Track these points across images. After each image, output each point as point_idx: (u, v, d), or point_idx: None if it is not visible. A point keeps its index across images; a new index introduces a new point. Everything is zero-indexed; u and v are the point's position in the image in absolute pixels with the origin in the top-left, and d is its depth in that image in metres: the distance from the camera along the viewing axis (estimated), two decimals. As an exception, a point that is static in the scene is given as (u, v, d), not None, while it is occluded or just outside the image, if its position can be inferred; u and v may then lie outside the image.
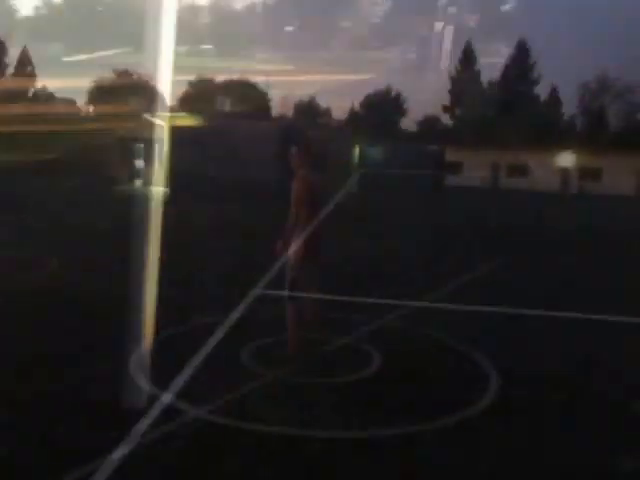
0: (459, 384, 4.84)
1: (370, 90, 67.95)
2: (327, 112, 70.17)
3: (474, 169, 50.50)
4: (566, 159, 49.41)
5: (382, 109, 64.99)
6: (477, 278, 8.88)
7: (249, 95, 58.29)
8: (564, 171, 49.21)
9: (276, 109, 68.17)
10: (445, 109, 68.43)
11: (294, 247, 4.82)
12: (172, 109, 34.53)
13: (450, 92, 68.10)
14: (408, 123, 68.69)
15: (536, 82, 66.08)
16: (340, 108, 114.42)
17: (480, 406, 4.30)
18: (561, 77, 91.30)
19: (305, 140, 6.19)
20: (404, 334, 5.99)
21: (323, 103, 72.26)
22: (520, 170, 50.30)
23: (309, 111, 66.20)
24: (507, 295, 8.16)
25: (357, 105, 68.28)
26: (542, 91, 65.97)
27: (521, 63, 65.62)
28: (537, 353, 5.74)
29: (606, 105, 60.62)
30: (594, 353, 5.72)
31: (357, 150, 36.14)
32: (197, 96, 55.68)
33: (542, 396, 4.68)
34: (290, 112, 67.74)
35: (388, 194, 28.43)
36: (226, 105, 38.48)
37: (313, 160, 5.12)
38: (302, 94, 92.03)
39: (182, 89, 61.57)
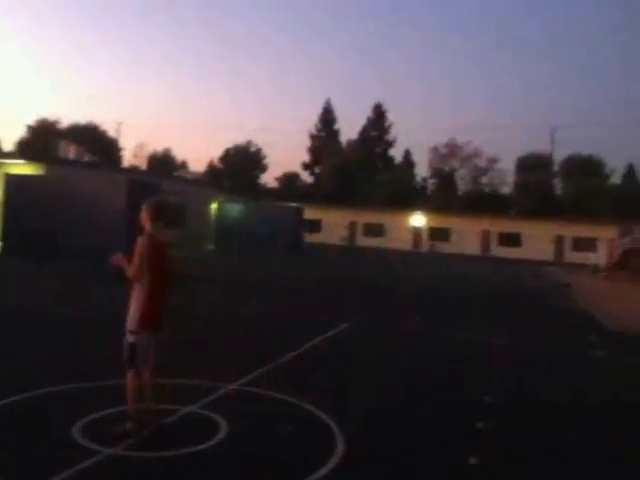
0: (306, 452, 4.63)
1: (230, 144, 66.98)
2: (184, 165, 67.97)
3: (332, 227, 50.98)
4: (418, 219, 51.32)
5: (242, 164, 64.04)
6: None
7: (98, 142, 54.76)
8: (416, 231, 51.01)
9: (128, 159, 64.94)
10: (305, 166, 69.17)
11: (134, 310, 4.60)
12: (7, 155, 31.27)
13: (309, 150, 69.13)
14: (268, 179, 68.43)
15: (391, 144, 68.96)
16: (198, 161, 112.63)
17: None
18: (415, 140, 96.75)
19: (156, 196, 5.44)
20: (253, 400, 5.76)
21: (180, 155, 70.14)
22: (376, 229, 51.51)
23: (164, 163, 63.61)
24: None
25: (216, 159, 66.83)
26: (397, 153, 68.89)
27: (377, 125, 68.26)
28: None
29: (455, 168, 64.30)
30: None
31: (215, 206, 34.35)
32: (37, 141, 51.25)
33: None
34: (144, 163, 64.78)
35: (246, 252, 27.76)
36: (70, 152, 35.29)
37: (164, 218, 4.79)
38: (157, 144, 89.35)
39: (20, 133, 56.76)
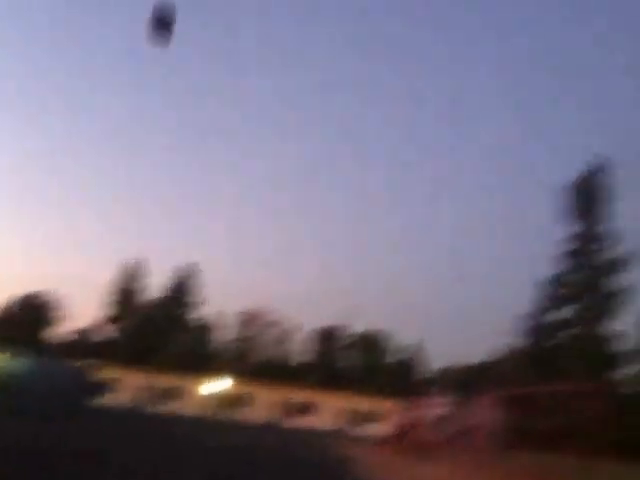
0: None
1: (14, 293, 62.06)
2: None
3: (127, 389, 48.14)
4: (218, 385, 50.63)
5: (27, 315, 59.26)
6: None
7: None
8: (213, 396, 50.13)
9: None
10: (104, 322, 65.83)
11: None
12: None
13: (109, 304, 66.29)
14: (64, 333, 63.59)
15: (196, 306, 68.66)
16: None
17: None
18: (220, 304, 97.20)
19: None
20: None
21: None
22: (173, 393, 49.80)
23: None
24: None
25: None
26: (201, 315, 68.47)
27: (179, 286, 68.02)
28: None
29: (256, 335, 65.33)
30: None
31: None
32: None
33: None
34: None
35: (14, 414, 24.74)
36: None
37: None
38: None
39: None
